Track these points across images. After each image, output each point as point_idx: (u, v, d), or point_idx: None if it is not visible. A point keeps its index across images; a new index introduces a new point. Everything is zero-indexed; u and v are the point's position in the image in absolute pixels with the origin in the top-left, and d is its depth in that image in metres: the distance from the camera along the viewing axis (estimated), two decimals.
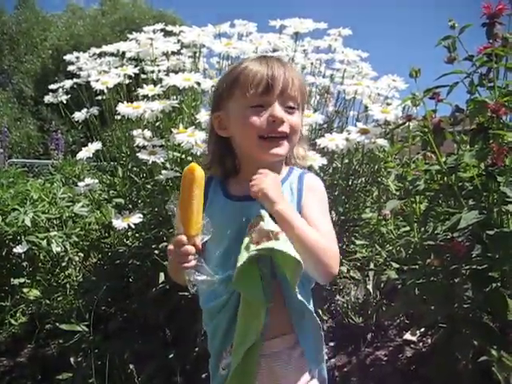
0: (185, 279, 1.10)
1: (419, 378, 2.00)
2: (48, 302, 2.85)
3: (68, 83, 2.51)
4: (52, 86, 2.58)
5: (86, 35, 17.62)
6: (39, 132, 16.31)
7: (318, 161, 1.97)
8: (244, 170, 1.25)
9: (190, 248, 1.08)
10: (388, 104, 2.32)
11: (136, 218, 2.05)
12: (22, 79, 18.48)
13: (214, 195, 1.23)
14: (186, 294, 2.17)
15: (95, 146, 2.27)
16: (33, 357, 2.70)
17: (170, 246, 1.12)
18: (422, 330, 2.23)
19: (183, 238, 1.08)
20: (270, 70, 1.16)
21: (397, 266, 2.20)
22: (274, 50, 2.47)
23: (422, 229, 2.00)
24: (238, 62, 1.30)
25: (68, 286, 2.94)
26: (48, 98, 2.59)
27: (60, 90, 2.56)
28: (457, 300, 1.73)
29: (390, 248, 2.37)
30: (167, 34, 2.62)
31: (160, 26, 2.56)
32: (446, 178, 1.90)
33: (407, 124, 2.05)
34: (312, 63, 2.56)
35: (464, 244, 1.71)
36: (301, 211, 1.18)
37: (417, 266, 1.93)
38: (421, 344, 2.25)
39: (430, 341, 2.20)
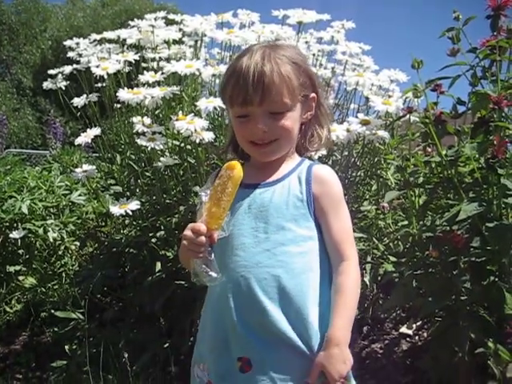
0: (191, 267, 1.10)
1: (415, 371, 1.99)
2: (44, 290, 2.84)
3: (68, 69, 2.49)
4: (51, 72, 2.56)
5: (86, 27, 17.52)
6: (37, 123, 16.25)
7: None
8: (252, 157, 1.28)
9: (206, 239, 1.08)
10: (389, 96, 2.31)
11: (134, 205, 2.04)
12: (20, 70, 18.40)
13: None
14: (183, 283, 2.16)
15: (94, 131, 2.25)
16: (28, 344, 2.70)
17: (187, 231, 1.11)
18: (419, 323, 2.23)
19: (202, 227, 1.08)
20: (247, 77, 1.14)
21: (394, 259, 2.19)
22: (277, 40, 2.46)
23: (421, 221, 1.99)
24: (236, 56, 1.30)
25: (64, 274, 2.93)
26: (46, 84, 2.57)
27: (59, 75, 2.54)
28: (454, 292, 1.73)
29: (388, 241, 2.37)
30: (169, 23, 2.61)
31: (162, 13, 2.54)
32: (445, 171, 1.89)
33: (408, 117, 2.05)
34: (314, 54, 2.55)
35: (463, 236, 1.70)
36: (313, 202, 1.17)
37: (415, 259, 1.93)
38: (417, 337, 2.25)
39: (426, 334, 2.20)
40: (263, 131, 1.16)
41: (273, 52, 1.19)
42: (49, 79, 2.59)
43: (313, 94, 1.24)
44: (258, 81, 1.13)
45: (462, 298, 1.72)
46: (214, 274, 1.09)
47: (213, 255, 1.09)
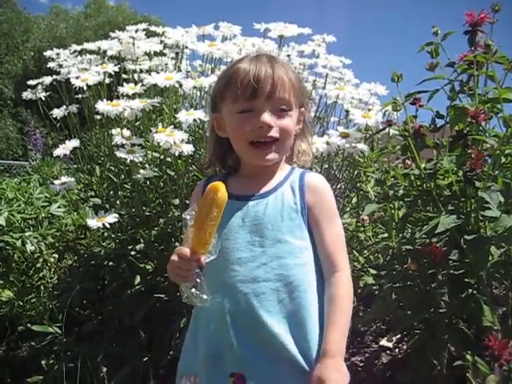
0: (180, 290, 1.09)
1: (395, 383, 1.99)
2: (21, 303, 2.79)
3: (47, 79, 2.47)
4: (31, 82, 2.54)
5: (69, 38, 17.46)
6: (18, 134, 16.10)
7: None
8: (243, 167, 1.26)
9: (193, 264, 1.06)
10: (369, 110, 2.33)
11: (111, 218, 2.02)
12: (2, 80, 18.24)
13: None
14: (162, 296, 2.14)
15: (73, 143, 2.23)
16: (3, 359, 2.64)
17: (174, 257, 1.09)
18: (399, 336, 2.23)
19: (188, 252, 1.06)
20: (257, 72, 1.15)
21: (374, 272, 2.20)
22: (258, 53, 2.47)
23: (400, 234, 2.00)
24: (234, 61, 1.30)
25: (42, 287, 2.89)
26: (26, 94, 2.55)
27: (39, 86, 2.52)
28: (433, 305, 1.73)
29: (368, 254, 2.38)
30: (151, 35, 2.61)
31: (143, 25, 2.54)
32: (424, 184, 1.91)
33: (387, 130, 2.06)
34: (295, 68, 2.56)
35: (441, 249, 1.71)
36: (307, 212, 1.17)
37: (394, 272, 1.93)
38: (397, 350, 2.25)
39: (405, 347, 2.20)
40: (269, 125, 1.15)
41: (276, 58, 1.23)
42: (29, 90, 2.57)
43: (303, 109, 1.26)
44: (269, 76, 1.15)
45: (441, 310, 1.73)
46: (204, 297, 1.08)
47: (202, 277, 1.08)
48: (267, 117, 1.15)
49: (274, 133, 1.16)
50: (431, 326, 1.76)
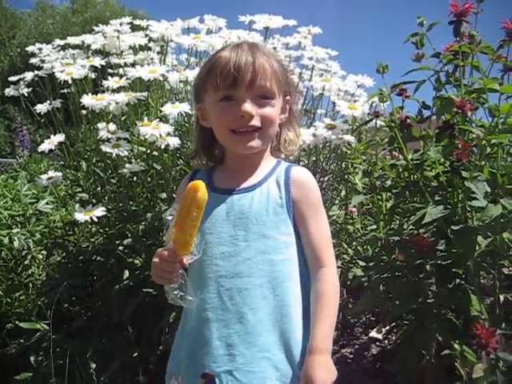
0: (165, 291, 1.07)
1: (384, 375, 1.99)
2: (9, 300, 2.77)
3: (29, 75, 2.44)
4: (12, 78, 2.50)
5: (56, 34, 17.30)
6: (6, 131, 15.98)
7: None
8: (228, 158, 1.25)
9: (176, 266, 1.05)
10: (355, 101, 2.32)
11: (99, 212, 2.00)
12: None
13: None
14: (151, 290, 2.13)
15: (58, 137, 2.21)
16: None
17: (156, 258, 1.08)
18: (388, 327, 2.23)
19: (170, 254, 1.04)
20: (237, 61, 1.13)
21: (363, 264, 2.20)
22: None
23: (388, 225, 2.00)
24: (216, 50, 1.28)
25: (30, 284, 2.87)
26: (8, 91, 2.52)
27: (21, 82, 2.48)
28: (421, 295, 1.74)
29: (357, 246, 2.38)
30: (136, 29, 2.58)
31: (127, 19, 2.52)
32: (412, 175, 1.91)
33: (374, 121, 2.06)
34: (281, 60, 2.55)
35: (429, 239, 1.71)
36: (293, 207, 1.15)
37: (382, 263, 1.94)
38: (386, 341, 2.26)
39: (395, 338, 2.21)
40: (250, 114, 1.13)
41: (258, 46, 1.20)
42: (11, 86, 2.53)
43: (288, 97, 1.24)
44: (250, 63, 1.13)
45: (429, 300, 1.73)
46: (189, 297, 1.07)
47: (186, 278, 1.06)
48: (248, 106, 1.13)
49: (256, 122, 1.15)
50: (419, 316, 1.76)
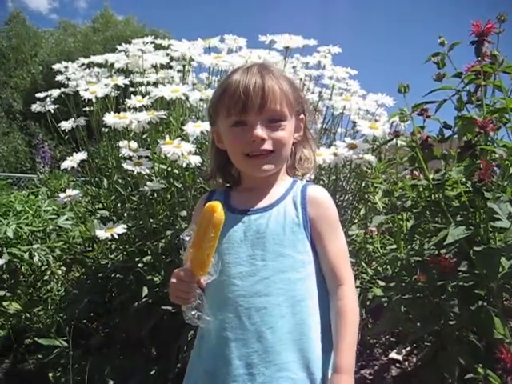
0: (182, 310, 1.08)
1: None
2: (28, 315, 2.79)
3: (56, 92, 2.50)
4: (39, 95, 2.56)
5: (77, 52, 17.60)
6: (27, 147, 16.21)
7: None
8: (244, 179, 1.26)
9: (193, 286, 1.06)
10: (376, 121, 2.32)
11: (120, 229, 2.02)
12: (11, 94, 18.42)
13: None
14: (170, 308, 2.13)
15: (80, 155, 2.24)
16: (10, 372, 2.63)
17: (173, 279, 1.08)
18: (408, 348, 2.20)
19: (187, 274, 1.06)
20: (246, 85, 1.14)
21: (383, 283, 2.18)
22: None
23: (409, 246, 1.98)
24: (229, 72, 1.30)
25: (49, 300, 2.88)
26: (35, 107, 2.57)
27: (47, 99, 2.54)
28: (443, 317, 1.71)
29: (376, 265, 2.36)
30: (157, 48, 2.62)
31: (150, 38, 2.56)
32: (433, 195, 1.90)
33: (395, 141, 2.06)
34: (301, 79, 2.57)
35: (451, 260, 1.69)
36: (310, 226, 1.16)
37: (403, 283, 1.91)
38: (406, 363, 2.23)
39: (415, 360, 2.17)
40: (261, 139, 1.14)
41: (268, 68, 1.21)
42: (37, 102, 2.59)
43: (302, 115, 1.25)
44: (259, 88, 1.14)
45: (451, 322, 1.70)
46: (206, 317, 1.07)
47: (203, 297, 1.07)
48: (259, 130, 1.14)
49: (268, 145, 1.16)
50: (441, 338, 1.74)
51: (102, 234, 2.00)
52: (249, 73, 1.17)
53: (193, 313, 1.07)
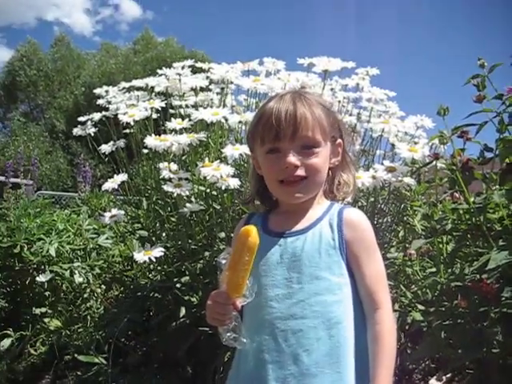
0: (219, 332, 1.10)
1: None
2: (68, 332, 2.84)
3: (97, 116, 2.57)
4: (81, 119, 2.64)
5: (118, 73, 18.09)
6: (69, 166, 16.65)
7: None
8: (281, 203, 1.28)
9: (229, 308, 1.08)
10: (415, 143, 2.30)
11: (157, 252, 2.05)
12: (54, 114, 19.01)
13: None
14: (207, 329, 2.14)
15: (121, 177, 2.29)
16: None
17: (210, 301, 1.11)
18: (449, 375, 2.15)
19: (223, 296, 1.08)
20: (278, 114, 1.17)
21: (422, 307, 2.14)
22: (302, 88, 2.49)
23: (449, 270, 1.95)
24: (266, 100, 1.33)
25: (89, 317, 2.94)
26: (76, 131, 2.65)
27: (89, 122, 2.61)
28: (486, 344, 1.67)
29: (416, 289, 2.32)
30: (197, 70, 2.67)
31: (190, 62, 2.61)
32: (474, 218, 1.86)
33: (434, 163, 2.03)
34: (339, 101, 2.57)
35: (493, 286, 1.65)
36: (346, 248, 1.16)
37: (443, 308, 1.88)
38: None
39: None
40: (294, 165, 1.16)
41: (301, 95, 1.23)
42: (79, 126, 2.66)
43: (339, 140, 1.26)
44: (291, 116, 1.16)
45: (494, 350, 1.66)
46: (242, 339, 1.09)
47: (239, 320, 1.09)
48: (292, 158, 1.17)
49: (301, 172, 1.18)
50: (484, 366, 1.69)
51: (139, 256, 2.03)
52: (282, 100, 1.20)
53: (229, 334, 1.08)
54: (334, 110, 1.29)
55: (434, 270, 2.05)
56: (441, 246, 2.00)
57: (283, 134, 1.16)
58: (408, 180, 2.04)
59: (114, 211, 2.29)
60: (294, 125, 1.16)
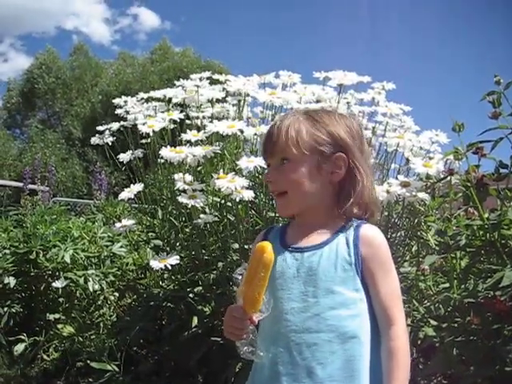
0: (236, 346, 1.12)
1: None
2: (81, 339, 2.87)
3: (115, 125, 2.61)
4: (99, 128, 2.67)
5: (135, 82, 18.27)
6: (84, 173, 16.81)
7: None
8: (296, 217, 1.31)
9: (245, 323, 1.10)
10: (430, 158, 2.30)
11: (173, 260, 2.07)
12: (71, 122, 19.22)
13: (273, 244, 1.21)
14: (219, 339, 2.15)
15: (137, 187, 2.32)
16: None
17: (227, 316, 1.14)
18: None
19: (239, 311, 1.10)
20: (266, 131, 1.29)
21: (435, 323, 2.13)
22: (318, 101, 2.51)
23: (462, 286, 1.94)
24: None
25: (102, 324, 2.96)
26: (94, 140, 2.69)
27: (107, 131, 2.65)
28: (498, 362, 1.66)
29: (428, 304, 2.31)
30: (213, 82, 2.70)
31: (207, 74, 2.64)
32: (488, 234, 1.86)
33: (449, 178, 2.03)
34: (355, 115, 2.58)
35: (506, 303, 1.65)
36: (361, 265, 1.17)
37: (456, 324, 1.87)
38: None
39: None
40: (267, 180, 1.27)
41: (299, 113, 1.27)
42: (96, 135, 2.70)
43: (339, 154, 1.22)
44: (270, 132, 1.25)
45: (507, 368, 1.65)
46: (259, 352, 1.12)
47: (256, 334, 1.11)
48: (267, 173, 1.28)
49: (278, 187, 1.24)
50: (497, 383, 1.68)
51: (155, 264, 2.05)
52: (279, 118, 1.30)
53: (246, 348, 1.10)
54: (334, 127, 1.24)
55: (447, 285, 2.05)
56: (454, 261, 1.99)
57: (266, 150, 1.27)
58: (422, 195, 2.04)
59: (125, 221, 2.32)
60: (271, 141, 1.24)
